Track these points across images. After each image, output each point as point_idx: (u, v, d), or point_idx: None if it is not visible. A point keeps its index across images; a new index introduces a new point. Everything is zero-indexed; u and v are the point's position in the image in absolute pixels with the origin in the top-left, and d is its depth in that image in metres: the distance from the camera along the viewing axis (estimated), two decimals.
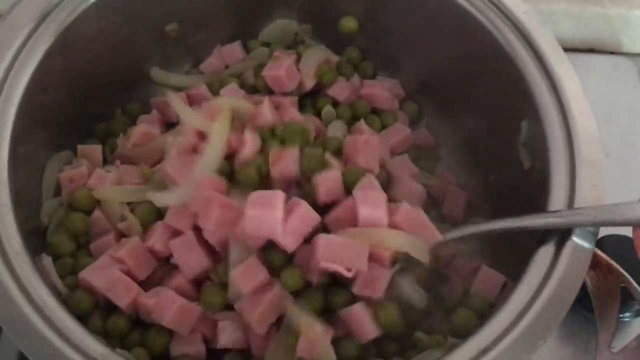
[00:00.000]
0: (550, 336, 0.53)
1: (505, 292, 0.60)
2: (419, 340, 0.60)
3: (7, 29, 0.63)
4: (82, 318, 0.59)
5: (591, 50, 0.97)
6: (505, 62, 0.67)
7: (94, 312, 0.61)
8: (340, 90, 0.77)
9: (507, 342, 0.52)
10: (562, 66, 0.64)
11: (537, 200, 0.60)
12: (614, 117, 0.89)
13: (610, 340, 0.55)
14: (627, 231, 0.71)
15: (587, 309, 0.63)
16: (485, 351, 0.52)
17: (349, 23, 0.78)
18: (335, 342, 0.62)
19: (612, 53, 0.97)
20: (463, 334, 0.56)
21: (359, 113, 0.77)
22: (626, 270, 0.58)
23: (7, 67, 0.62)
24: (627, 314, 0.71)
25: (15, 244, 0.55)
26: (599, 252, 0.59)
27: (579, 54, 0.95)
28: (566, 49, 0.67)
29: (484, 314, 0.60)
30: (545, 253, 0.56)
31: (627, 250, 0.67)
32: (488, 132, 0.73)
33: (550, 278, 0.55)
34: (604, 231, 0.70)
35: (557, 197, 0.59)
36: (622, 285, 0.58)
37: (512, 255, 0.61)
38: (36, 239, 0.63)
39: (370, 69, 0.81)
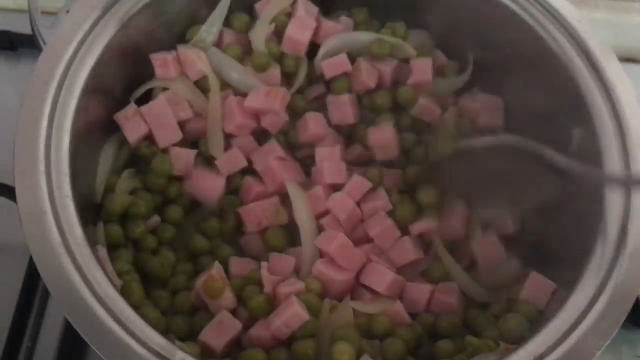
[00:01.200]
0: (606, 345, 0.53)
1: (556, 299, 0.60)
2: (470, 343, 0.61)
3: (70, 21, 0.64)
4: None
5: (629, 59, 0.97)
6: (558, 70, 0.67)
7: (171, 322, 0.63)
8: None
9: (563, 349, 0.53)
10: (615, 71, 0.64)
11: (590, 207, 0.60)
12: None
13: None
14: None
15: (629, 320, 0.63)
16: (540, 358, 0.52)
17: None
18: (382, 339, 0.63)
19: None
20: (514, 339, 0.57)
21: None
22: None
23: (69, 60, 0.62)
24: None
25: (77, 235, 0.56)
26: None
27: (628, 64, 0.95)
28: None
29: (534, 320, 0.60)
30: (600, 260, 0.56)
31: None
32: (535, 137, 0.73)
33: (606, 286, 0.55)
34: None
35: (613, 206, 0.59)
36: None
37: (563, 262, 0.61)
38: (92, 230, 0.64)
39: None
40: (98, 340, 0.51)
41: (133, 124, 0.69)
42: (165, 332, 0.60)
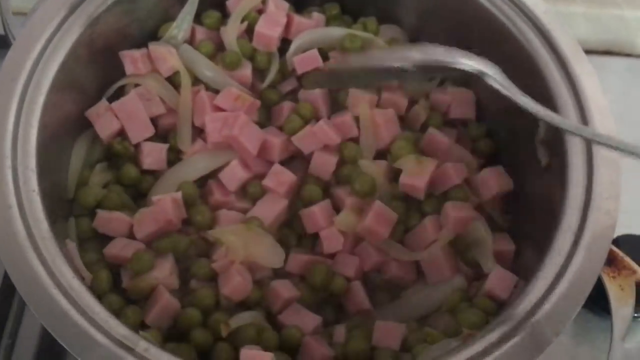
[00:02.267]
0: (564, 329, 0.53)
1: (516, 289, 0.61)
2: (428, 334, 0.61)
3: (38, 19, 0.64)
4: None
5: (607, 52, 0.97)
6: (524, 60, 0.67)
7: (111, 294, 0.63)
8: None
9: (521, 335, 0.53)
10: (582, 65, 0.65)
11: (554, 196, 0.60)
12: (630, 119, 0.89)
13: (624, 335, 0.55)
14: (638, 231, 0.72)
15: (603, 309, 0.63)
16: (500, 342, 0.53)
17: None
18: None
19: (627, 55, 0.97)
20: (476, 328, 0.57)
21: None
22: None
23: (36, 57, 0.63)
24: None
25: (43, 229, 0.56)
26: (615, 249, 0.60)
27: (595, 56, 0.95)
28: (585, 51, 0.67)
29: (492, 314, 0.60)
30: (562, 245, 0.57)
31: None
32: (505, 127, 0.74)
33: (565, 274, 0.55)
34: (618, 230, 0.70)
35: (574, 194, 0.59)
36: (638, 281, 0.58)
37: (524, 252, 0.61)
38: (61, 225, 0.64)
39: None
40: (61, 331, 0.52)
41: (105, 120, 0.70)
42: (137, 322, 0.61)
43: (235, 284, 0.64)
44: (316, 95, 0.74)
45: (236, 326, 0.62)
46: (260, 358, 0.57)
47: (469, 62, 0.59)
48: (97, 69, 0.70)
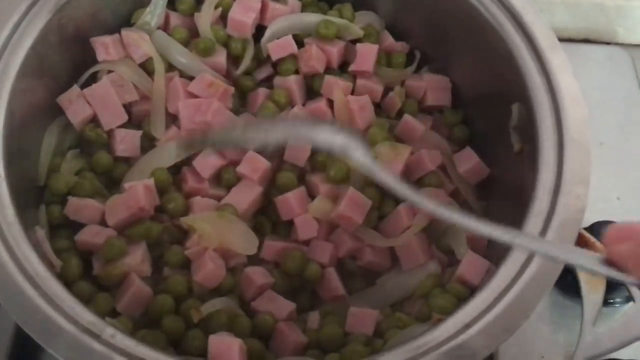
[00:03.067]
0: (532, 314, 0.53)
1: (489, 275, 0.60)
2: (399, 319, 0.61)
3: (6, 4, 0.63)
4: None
5: (586, 40, 0.96)
6: (497, 46, 0.67)
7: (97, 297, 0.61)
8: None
9: (490, 318, 0.53)
10: (555, 52, 0.64)
11: (526, 181, 0.60)
12: (609, 107, 0.89)
13: (594, 319, 0.54)
14: (616, 218, 0.72)
15: (578, 295, 0.63)
16: (468, 326, 0.52)
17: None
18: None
19: (607, 43, 0.96)
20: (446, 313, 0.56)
21: None
22: None
23: (3, 43, 0.62)
24: (618, 299, 0.70)
25: (9, 215, 0.55)
26: (587, 234, 0.59)
27: (574, 44, 0.95)
28: (561, 39, 0.66)
29: (464, 299, 0.60)
30: (532, 230, 0.57)
31: None
32: (479, 114, 0.73)
33: (535, 257, 0.55)
34: (593, 218, 0.70)
35: (545, 178, 0.59)
36: None
37: None
38: (30, 212, 0.63)
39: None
40: (25, 317, 0.51)
41: (77, 106, 0.69)
42: (108, 309, 0.60)
43: (208, 271, 0.63)
44: (291, 82, 0.74)
45: (208, 313, 0.61)
46: (229, 344, 0.56)
47: (333, 140, 0.56)
48: (68, 55, 0.69)
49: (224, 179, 0.70)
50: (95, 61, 0.72)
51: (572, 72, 0.63)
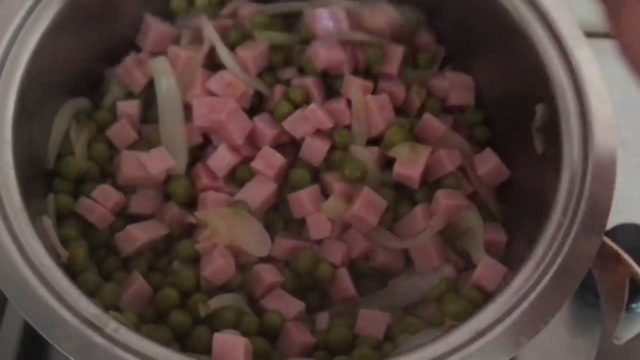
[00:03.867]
0: (550, 321, 0.51)
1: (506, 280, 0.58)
2: (411, 323, 0.58)
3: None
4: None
5: (608, 35, 0.93)
6: (522, 43, 0.64)
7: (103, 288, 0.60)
8: None
9: (506, 325, 0.50)
10: (582, 50, 0.62)
11: (548, 184, 0.58)
12: (631, 104, 0.85)
13: (614, 331, 0.52)
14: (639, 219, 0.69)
15: (599, 300, 0.61)
16: (483, 333, 0.50)
17: None
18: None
19: None
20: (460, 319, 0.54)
21: None
22: (638, 260, 0.55)
23: (16, 28, 0.60)
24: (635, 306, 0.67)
25: (15, 203, 0.54)
26: (609, 242, 0.56)
27: (597, 39, 0.91)
28: (588, 34, 0.64)
29: (478, 304, 0.57)
30: (552, 236, 0.54)
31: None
32: (501, 114, 0.71)
33: (555, 264, 0.52)
34: (615, 220, 0.67)
35: (568, 181, 0.56)
36: (632, 277, 0.55)
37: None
38: (37, 201, 0.62)
39: None
40: (28, 308, 0.50)
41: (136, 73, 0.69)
42: (114, 301, 0.59)
43: (217, 267, 0.61)
44: (308, 81, 0.71)
45: (215, 308, 0.59)
46: (234, 343, 0.54)
47: None
48: (82, 39, 0.68)
49: (239, 176, 0.68)
50: (113, 43, 0.71)
51: (599, 72, 0.61)
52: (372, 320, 0.61)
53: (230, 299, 0.61)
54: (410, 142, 0.68)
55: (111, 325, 0.50)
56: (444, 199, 0.65)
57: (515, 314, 0.51)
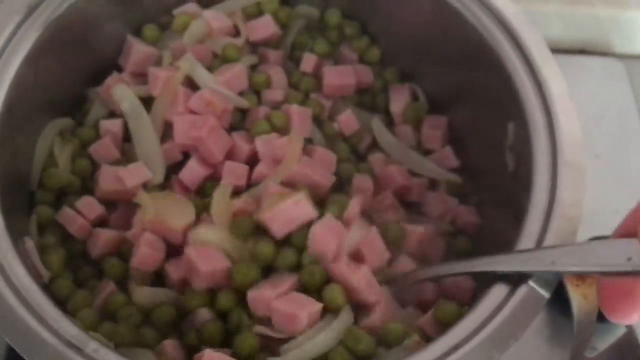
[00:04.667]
0: (522, 335, 0.50)
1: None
2: (389, 332, 0.57)
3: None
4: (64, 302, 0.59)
5: (582, 52, 0.94)
6: (493, 63, 0.64)
7: (75, 294, 0.59)
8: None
9: (479, 339, 0.50)
10: (549, 68, 0.61)
11: (520, 201, 0.58)
12: (604, 118, 0.86)
13: (586, 344, 0.52)
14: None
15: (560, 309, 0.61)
16: (455, 349, 0.50)
17: (333, 17, 0.76)
18: None
19: (602, 54, 0.94)
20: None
21: None
22: None
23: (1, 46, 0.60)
24: None
25: None
26: None
27: (569, 55, 0.92)
28: (557, 50, 0.64)
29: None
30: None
31: None
32: (474, 132, 0.71)
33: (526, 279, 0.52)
34: (591, 233, 0.67)
35: (538, 200, 0.56)
36: None
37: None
38: (20, 221, 0.61)
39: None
40: (8, 329, 0.49)
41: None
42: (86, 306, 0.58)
43: (143, 254, 0.61)
44: (293, 110, 0.70)
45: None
46: None
47: None
48: (65, 61, 0.67)
49: (209, 192, 0.65)
50: (93, 62, 0.70)
51: (567, 89, 0.61)
52: None
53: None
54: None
55: (91, 345, 0.49)
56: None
57: (488, 329, 0.50)
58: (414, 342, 0.54)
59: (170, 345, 0.57)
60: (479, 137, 0.69)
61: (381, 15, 0.74)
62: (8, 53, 0.60)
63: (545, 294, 0.52)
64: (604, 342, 0.56)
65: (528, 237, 0.55)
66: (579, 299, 0.54)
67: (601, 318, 0.56)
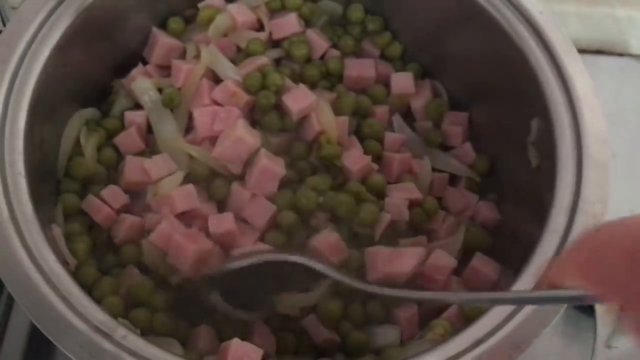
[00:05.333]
0: (549, 327, 0.50)
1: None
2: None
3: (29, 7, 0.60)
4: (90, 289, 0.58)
5: (599, 52, 0.92)
6: (518, 60, 0.63)
7: (100, 281, 0.59)
8: None
9: (503, 334, 0.49)
10: (575, 66, 0.61)
11: (543, 198, 0.56)
12: (621, 118, 0.85)
13: (606, 341, 0.51)
14: None
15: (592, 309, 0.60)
16: (479, 342, 0.49)
17: (356, 12, 0.74)
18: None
19: (620, 54, 0.92)
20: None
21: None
22: None
23: (28, 41, 0.59)
24: None
25: (27, 212, 0.53)
26: None
27: (587, 55, 0.90)
28: (577, 50, 0.62)
29: None
30: (547, 247, 0.53)
31: None
32: (497, 128, 0.69)
33: None
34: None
35: (562, 196, 0.55)
36: None
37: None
38: (47, 209, 0.61)
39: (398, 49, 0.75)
40: (38, 314, 0.49)
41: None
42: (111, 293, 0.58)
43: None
44: None
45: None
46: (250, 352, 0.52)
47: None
48: (93, 51, 0.66)
49: None
50: (117, 55, 0.69)
51: (592, 86, 0.60)
52: None
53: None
54: None
55: (119, 331, 0.49)
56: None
57: (509, 325, 0.50)
58: (437, 334, 0.53)
59: (204, 331, 0.58)
60: (500, 133, 0.68)
61: (405, 11, 0.73)
62: (38, 42, 0.59)
63: None
64: (624, 340, 0.54)
65: (552, 234, 0.54)
66: None
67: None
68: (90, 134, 0.66)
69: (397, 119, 0.72)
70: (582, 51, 0.91)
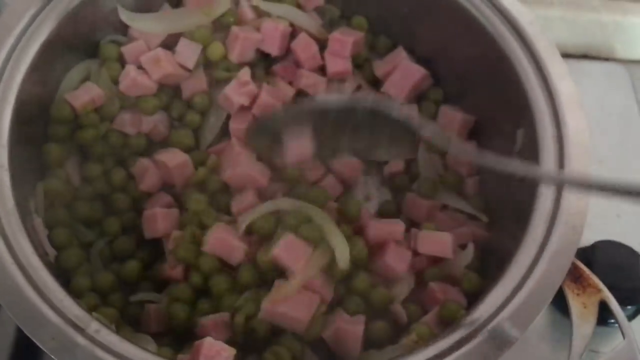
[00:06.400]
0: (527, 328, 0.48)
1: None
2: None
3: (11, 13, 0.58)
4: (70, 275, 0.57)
5: (584, 56, 0.91)
6: (506, 71, 0.61)
7: (81, 268, 0.58)
8: None
9: (479, 340, 0.48)
10: (562, 77, 0.59)
11: (523, 208, 0.55)
12: (607, 123, 0.83)
13: (582, 352, 0.50)
14: (620, 237, 0.66)
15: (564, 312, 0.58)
16: (458, 345, 0.48)
17: (359, 21, 0.72)
18: None
19: (605, 59, 0.90)
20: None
21: None
22: (616, 276, 0.53)
23: (17, 35, 0.57)
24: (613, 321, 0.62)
25: (8, 204, 0.51)
26: (582, 266, 0.54)
27: (572, 60, 0.89)
28: (562, 55, 0.61)
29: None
30: (525, 257, 0.52)
31: (618, 256, 0.62)
32: (485, 136, 0.68)
33: (525, 284, 0.50)
34: (594, 237, 0.65)
35: (543, 206, 0.54)
36: (601, 300, 0.53)
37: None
38: (29, 199, 0.58)
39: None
40: (14, 306, 0.47)
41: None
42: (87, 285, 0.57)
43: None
44: None
45: None
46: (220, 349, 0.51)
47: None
48: (79, 50, 0.65)
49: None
50: None
51: (578, 97, 0.58)
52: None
53: None
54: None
55: (93, 326, 0.48)
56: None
57: (488, 329, 0.48)
58: (411, 341, 0.52)
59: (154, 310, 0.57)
60: (489, 142, 0.67)
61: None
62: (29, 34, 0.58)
63: None
64: (607, 345, 0.53)
65: (530, 243, 0.52)
66: (578, 307, 0.52)
67: (601, 322, 0.54)
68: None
69: None
70: (567, 56, 0.90)
